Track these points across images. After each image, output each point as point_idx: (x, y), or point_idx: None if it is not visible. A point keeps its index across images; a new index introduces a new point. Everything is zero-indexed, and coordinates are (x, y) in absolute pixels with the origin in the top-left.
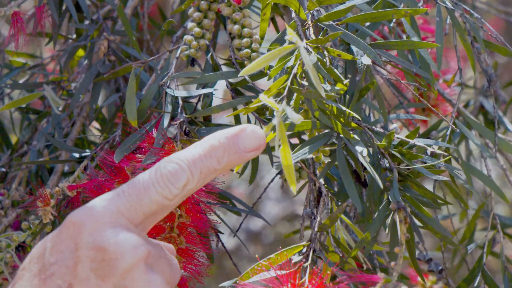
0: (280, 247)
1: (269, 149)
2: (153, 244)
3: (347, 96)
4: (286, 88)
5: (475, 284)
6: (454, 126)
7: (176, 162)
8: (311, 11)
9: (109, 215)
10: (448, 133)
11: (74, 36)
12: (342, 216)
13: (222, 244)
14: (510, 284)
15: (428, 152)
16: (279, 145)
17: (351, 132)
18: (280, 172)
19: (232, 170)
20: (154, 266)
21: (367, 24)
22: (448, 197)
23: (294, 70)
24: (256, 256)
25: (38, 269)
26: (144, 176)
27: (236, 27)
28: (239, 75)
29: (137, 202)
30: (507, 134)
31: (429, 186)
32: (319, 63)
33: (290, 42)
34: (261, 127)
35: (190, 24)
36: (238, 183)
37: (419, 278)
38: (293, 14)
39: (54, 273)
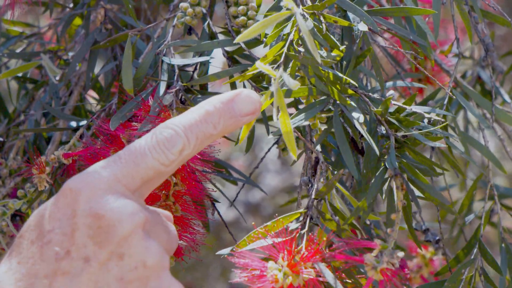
0: (276, 215)
1: (265, 118)
2: (151, 210)
3: (344, 63)
4: (283, 55)
5: (472, 256)
6: (451, 94)
7: (172, 128)
8: None
9: (106, 181)
10: (445, 102)
11: (71, 4)
12: (338, 185)
13: (218, 213)
14: (507, 255)
15: (425, 121)
16: (278, 112)
17: (347, 98)
18: (277, 142)
19: (231, 140)
20: (151, 233)
21: None
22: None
23: (291, 37)
24: (253, 223)
25: (36, 236)
26: (141, 142)
27: None
28: (234, 41)
29: (133, 168)
30: (504, 105)
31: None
32: (315, 29)
33: (287, 9)
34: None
35: None
36: (237, 155)
37: (419, 250)
38: None
39: (51, 240)
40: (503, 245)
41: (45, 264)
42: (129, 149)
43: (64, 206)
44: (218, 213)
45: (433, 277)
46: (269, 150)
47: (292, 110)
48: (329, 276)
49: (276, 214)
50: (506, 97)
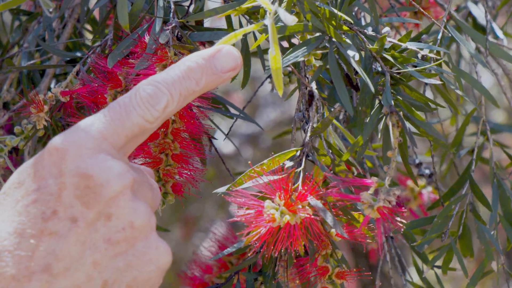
0: (272, 153)
1: (260, 53)
2: (136, 169)
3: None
4: None
5: (464, 191)
6: (445, 30)
7: (155, 85)
8: None
9: (92, 140)
10: (439, 37)
11: None
12: (334, 121)
13: (216, 149)
14: (499, 190)
15: (420, 56)
16: (273, 48)
17: (343, 35)
18: (270, 76)
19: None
20: (138, 192)
21: None
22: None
23: None
24: (249, 162)
25: (21, 195)
26: (124, 100)
27: None
28: None
29: (119, 126)
30: (497, 40)
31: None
32: None
33: None
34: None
35: None
36: (236, 88)
37: (408, 182)
38: None
39: (37, 199)
40: (494, 180)
41: (31, 223)
42: (113, 106)
43: (50, 165)
44: (216, 149)
45: (421, 210)
46: (261, 84)
47: (285, 44)
48: (326, 214)
49: (273, 152)
50: (499, 33)
